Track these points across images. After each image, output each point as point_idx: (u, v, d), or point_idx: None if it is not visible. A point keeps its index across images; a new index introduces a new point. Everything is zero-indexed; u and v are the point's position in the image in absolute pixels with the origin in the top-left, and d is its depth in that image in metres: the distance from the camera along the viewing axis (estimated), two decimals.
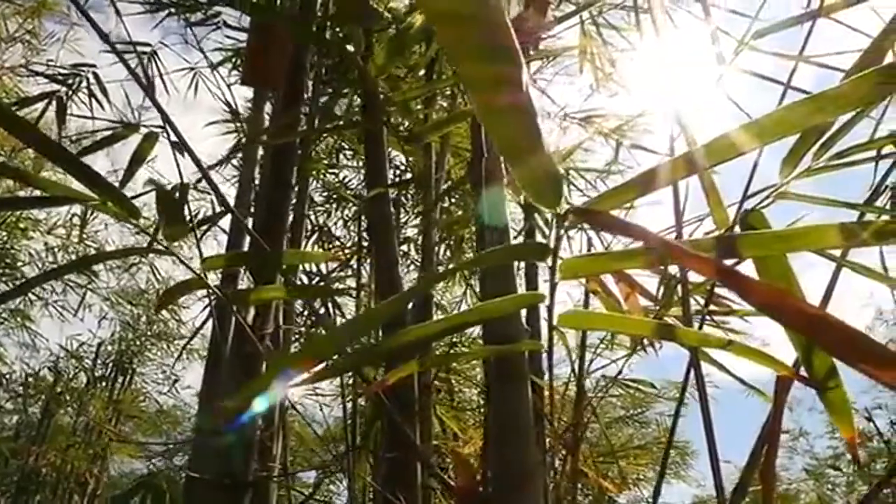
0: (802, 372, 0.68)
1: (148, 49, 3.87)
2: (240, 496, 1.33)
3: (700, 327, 1.36)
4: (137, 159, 2.08)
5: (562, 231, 0.49)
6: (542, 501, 0.99)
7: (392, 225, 1.50)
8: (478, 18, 0.30)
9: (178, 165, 2.18)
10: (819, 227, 0.46)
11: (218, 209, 4.08)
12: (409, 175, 3.67)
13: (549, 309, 0.54)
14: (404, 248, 4.18)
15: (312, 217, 4.39)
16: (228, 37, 3.53)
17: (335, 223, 4.60)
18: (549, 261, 0.51)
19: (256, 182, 2.84)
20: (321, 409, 4.32)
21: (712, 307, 1.56)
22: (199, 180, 2.49)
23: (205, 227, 2.79)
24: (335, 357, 0.51)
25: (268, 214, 1.65)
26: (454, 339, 3.89)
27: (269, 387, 0.43)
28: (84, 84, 3.29)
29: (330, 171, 4.47)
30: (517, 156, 0.41)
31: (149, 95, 1.28)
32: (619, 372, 2.51)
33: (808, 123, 0.44)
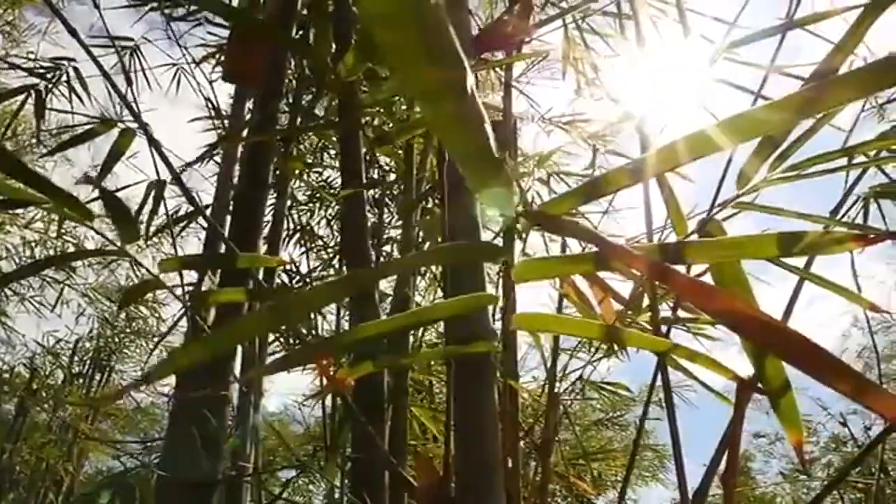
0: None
1: (131, 43, 3.84)
2: (207, 495, 1.32)
3: (668, 332, 1.38)
4: (114, 155, 2.06)
5: (515, 234, 0.49)
6: (504, 501, 1.00)
7: (365, 226, 1.50)
8: (416, 20, 0.30)
9: (154, 162, 2.17)
10: (758, 237, 0.47)
11: (200, 206, 4.05)
12: (392, 175, 3.67)
13: (504, 311, 0.54)
14: (388, 248, 4.18)
15: (295, 216, 4.37)
16: (211, 33, 3.51)
17: (318, 222, 4.59)
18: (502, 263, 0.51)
19: (236, 180, 2.83)
20: (299, 409, 4.30)
21: (682, 312, 1.58)
22: (177, 175, 2.46)
23: (182, 225, 2.77)
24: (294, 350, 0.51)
25: (243, 214, 1.64)
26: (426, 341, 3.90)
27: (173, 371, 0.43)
28: (64, 78, 3.25)
29: (314, 170, 4.45)
30: (465, 159, 0.42)
31: (117, 91, 1.28)
32: (586, 376, 2.53)
33: (745, 139, 0.45)
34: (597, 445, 6.05)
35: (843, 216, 1.64)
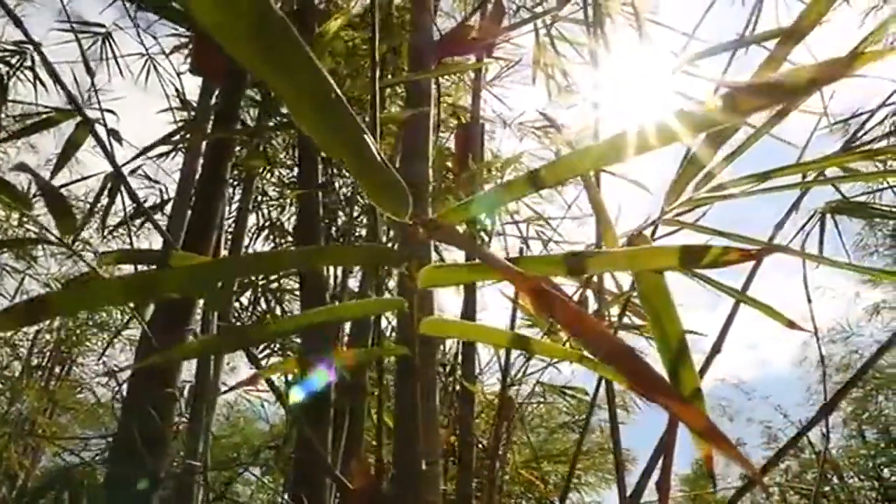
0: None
1: (102, 30, 3.77)
2: (149, 492, 1.31)
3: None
4: (72, 145, 2.02)
5: (413, 240, 0.50)
6: (440, 500, 1.01)
7: (318, 224, 1.49)
8: (251, 10, 0.29)
9: (109, 153, 2.13)
10: (662, 248, 0.48)
11: (165, 198, 4.00)
12: None
13: (412, 316, 0.55)
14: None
15: (265, 211, 4.34)
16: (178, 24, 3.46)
17: (289, 218, 4.55)
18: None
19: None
20: (262, 406, 4.27)
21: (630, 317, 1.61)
22: (135, 169, 2.44)
23: (141, 221, 2.73)
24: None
25: (198, 209, 1.63)
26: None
27: None
28: (29, 63, 3.18)
29: (284, 166, 4.42)
30: (350, 165, 0.42)
31: (58, 82, 1.26)
32: (549, 379, 2.56)
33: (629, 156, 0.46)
34: (561, 448, 6.10)
35: (802, 230, 1.69)
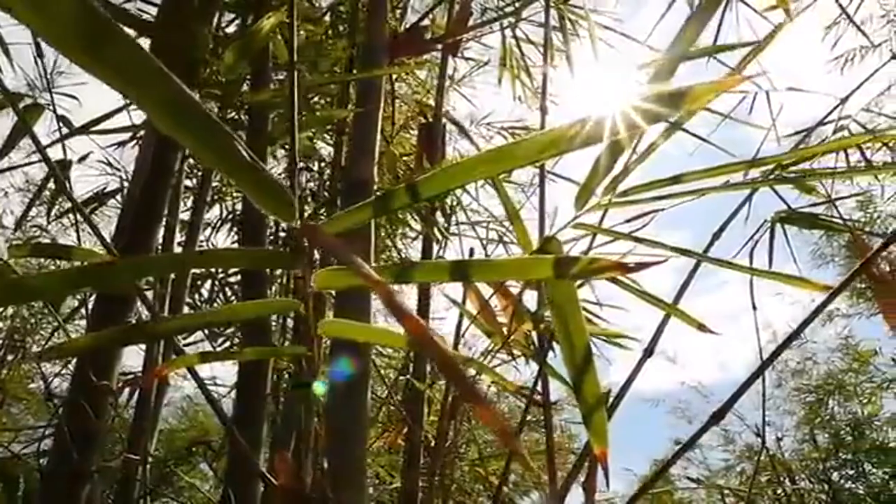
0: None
1: None
2: (77, 486, 1.29)
3: (551, 340, 1.42)
4: (20, 130, 1.97)
5: (308, 244, 0.50)
6: (367, 500, 1.01)
7: (264, 224, 1.49)
8: (70, 12, 0.28)
9: (62, 140, 2.08)
10: (538, 258, 0.50)
11: (75, 201, 3.91)
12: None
13: (307, 317, 0.55)
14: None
15: (229, 204, 4.28)
16: (140, 10, 3.39)
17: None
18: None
19: None
20: (221, 400, 4.21)
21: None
22: (84, 156, 2.39)
23: (91, 208, 2.68)
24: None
25: (143, 200, 1.61)
26: None
27: None
28: None
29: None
30: (228, 172, 0.42)
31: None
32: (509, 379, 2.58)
33: (529, 160, 0.47)
34: (526, 447, 6.14)
35: (751, 239, 1.73)
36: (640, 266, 0.47)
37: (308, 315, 0.55)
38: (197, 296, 3.83)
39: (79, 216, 1.59)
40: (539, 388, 1.36)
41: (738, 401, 0.70)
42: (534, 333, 1.41)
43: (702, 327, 0.83)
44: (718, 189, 0.85)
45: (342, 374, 1.07)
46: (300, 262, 0.51)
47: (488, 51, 3.94)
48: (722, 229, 1.54)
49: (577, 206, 0.73)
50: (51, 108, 2.06)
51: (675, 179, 0.73)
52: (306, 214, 3.17)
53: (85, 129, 1.55)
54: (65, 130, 2.00)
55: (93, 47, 0.29)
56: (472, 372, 0.64)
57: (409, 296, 2.56)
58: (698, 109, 0.69)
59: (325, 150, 3.78)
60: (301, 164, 4.11)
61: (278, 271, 2.78)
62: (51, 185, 2.56)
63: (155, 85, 0.33)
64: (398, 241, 3.84)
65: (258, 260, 0.59)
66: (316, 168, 4.04)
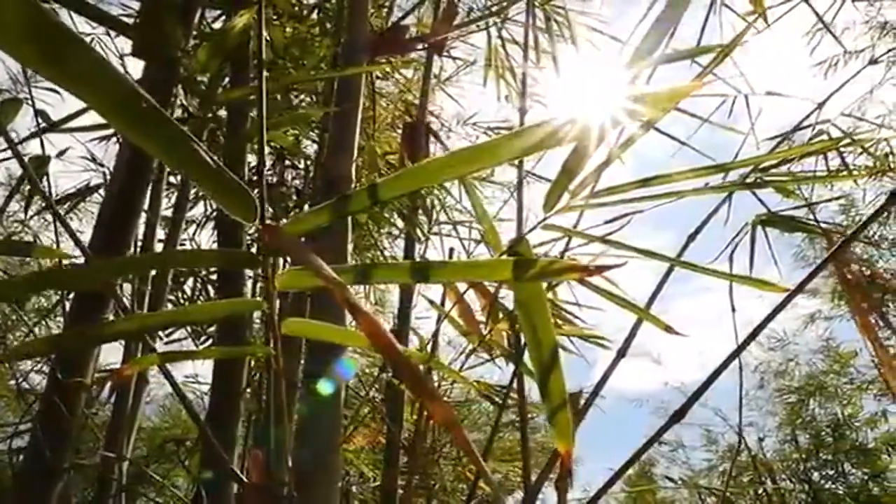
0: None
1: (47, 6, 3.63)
2: (50, 483, 1.28)
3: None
4: None
5: (269, 244, 0.50)
6: (337, 499, 1.02)
7: (241, 223, 1.48)
8: (16, 14, 0.28)
9: (40, 136, 2.06)
10: (498, 260, 0.50)
11: (50, 198, 3.88)
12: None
13: (271, 317, 0.56)
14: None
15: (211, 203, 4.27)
16: (124, 5, 3.36)
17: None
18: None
19: None
20: (202, 399, 4.19)
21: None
22: (62, 151, 2.36)
23: (70, 204, 2.66)
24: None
25: (120, 197, 1.60)
26: None
27: None
28: None
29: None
30: (190, 172, 0.42)
31: None
32: (484, 379, 2.59)
33: (498, 161, 0.48)
34: (506, 447, 6.16)
35: (731, 242, 1.75)
36: (602, 268, 0.47)
37: (272, 314, 0.55)
38: (180, 293, 3.81)
39: (53, 214, 1.58)
40: (515, 387, 1.37)
41: (698, 399, 0.71)
42: (509, 333, 1.42)
43: (669, 329, 0.84)
44: (696, 192, 0.86)
45: (316, 374, 1.08)
46: (265, 262, 0.52)
47: (475, 51, 3.96)
48: (697, 232, 1.55)
49: (545, 208, 0.74)
50: (30, 102, 2.05)
51: (646, 182, 0.74)
52: (294, 213, 3.17)
53: (62, 124, 1.54)
54: (44, 125, 1.98)
55: (46, 53, 0.29)
56: (432, 371, 0.64)
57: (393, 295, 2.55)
58: (664, 114, 0.70)
59: (312, 147, 3.78)
60: (287, 162, 4.10)
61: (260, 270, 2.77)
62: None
63: (111, 89, 0.33)
64: (384, 240, 3.85)
65: (226, 260, 0.59)
66: (302, 166, 4.04)
